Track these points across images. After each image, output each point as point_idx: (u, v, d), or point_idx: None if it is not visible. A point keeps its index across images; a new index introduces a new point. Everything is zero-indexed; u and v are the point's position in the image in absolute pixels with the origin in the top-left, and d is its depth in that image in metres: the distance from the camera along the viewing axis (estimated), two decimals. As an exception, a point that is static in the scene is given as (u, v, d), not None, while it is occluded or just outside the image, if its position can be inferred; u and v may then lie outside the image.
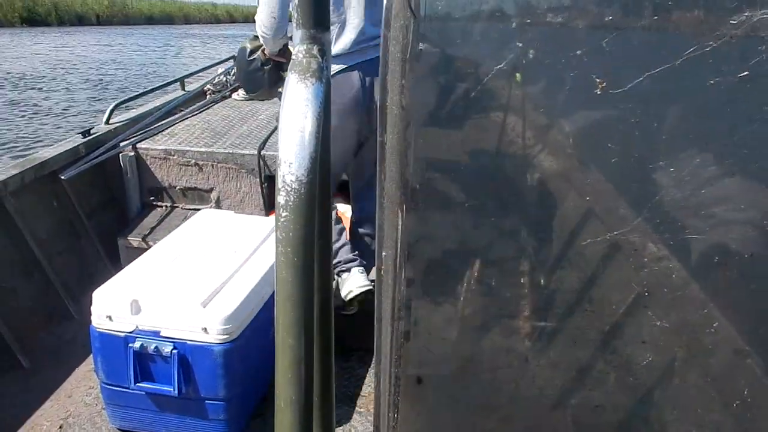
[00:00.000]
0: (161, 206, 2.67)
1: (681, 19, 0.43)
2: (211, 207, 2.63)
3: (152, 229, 2.52)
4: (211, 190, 2.66)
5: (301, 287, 0.41)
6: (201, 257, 1.74)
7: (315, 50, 0.44)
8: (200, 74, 3.99)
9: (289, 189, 0.40)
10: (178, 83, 3.58)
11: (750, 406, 0.52)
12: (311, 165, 0.40)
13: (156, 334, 1.50)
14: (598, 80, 0.42)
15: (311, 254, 0.42)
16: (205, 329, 1.48)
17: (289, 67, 0.44)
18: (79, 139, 2.51)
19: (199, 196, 2.54)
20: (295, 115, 0.41)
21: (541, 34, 0.42)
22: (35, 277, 2.12)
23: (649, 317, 0.51)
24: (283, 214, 0.41)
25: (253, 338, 1.60)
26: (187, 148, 2.59)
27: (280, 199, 0.41)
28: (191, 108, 3.25)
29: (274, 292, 1.69)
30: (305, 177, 0.40)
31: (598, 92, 0.42)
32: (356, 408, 1.75)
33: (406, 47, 0.41)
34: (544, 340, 0.58)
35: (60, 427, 1.62)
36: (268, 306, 1.70)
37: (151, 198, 2.67)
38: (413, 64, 0.42)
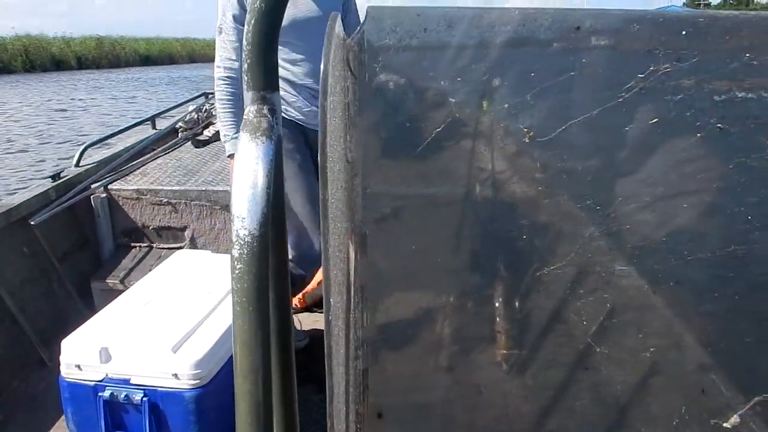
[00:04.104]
0: (135, 247, 2.65)
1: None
2: (185, 245, 2.61)
3: (128, 270, 2.49)
4: (185, 228, 2.64)
5: (256, 334, 0.43)
6: (175, 300, 1.72)
7: (265, 110, 0.46)
8: (172, 112, 4.00)
9: (242, 243, 0.43)
10: (149, 122, 3.59)
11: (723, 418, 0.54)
12: (263, 219, 0.43)
13: (126, 381, 1.47)
14: (525, 129, 0.46)
15: (266, 303, 0.44)
16: (175, 375, 1.46)
17: (241, 127, 0.47)
18: (48, 183, 2.49)
19: (173, 235, 2.53)
20: (246, 173, 0.44)
21: (470, 91, 0.46)
22: (7, 326, 2.07)
23: (622, 336, 0.53)
24: (238, 266, 0.43)
25: (226, 381, 1.57)
26: (160, 187, 2.58)
27: (235, 252, 0.43)
28: (163, 146, 3.25)
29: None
30: (257, 231, 0.43)
31: (527, 140, 0.46)
32: None
33: (347, 107, 0.44)
34: (509, 369, 0.59)
35: None
36: (243, 346, 1.68)
37: (125, 239, 2.65)
38: (356, 121, 0.45)
